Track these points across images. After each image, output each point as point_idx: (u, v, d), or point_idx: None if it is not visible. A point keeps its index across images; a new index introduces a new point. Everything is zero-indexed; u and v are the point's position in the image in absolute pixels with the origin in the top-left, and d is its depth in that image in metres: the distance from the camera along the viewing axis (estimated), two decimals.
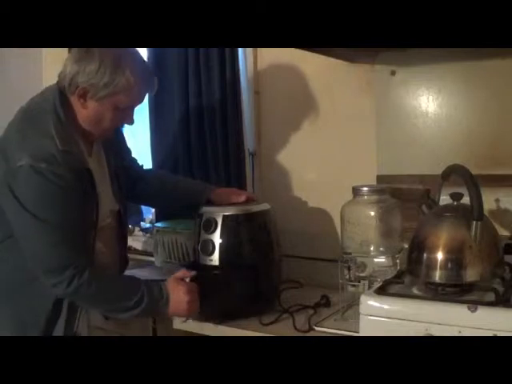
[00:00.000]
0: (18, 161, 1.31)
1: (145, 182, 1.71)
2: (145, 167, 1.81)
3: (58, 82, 1.42)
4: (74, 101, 1.40)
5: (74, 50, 1.39)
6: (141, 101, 1.47)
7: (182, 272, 1.49)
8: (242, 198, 1.63)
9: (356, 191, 1.52)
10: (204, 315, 1.53)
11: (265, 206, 1.61)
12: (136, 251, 2.23)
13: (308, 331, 1.43)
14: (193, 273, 1.49)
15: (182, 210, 1.80)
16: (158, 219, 2.12)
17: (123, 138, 1.70)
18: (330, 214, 1.83)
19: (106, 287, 1.40)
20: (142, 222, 2.30)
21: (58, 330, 1.43)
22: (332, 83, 1.81)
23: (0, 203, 1.38)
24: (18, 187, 1.32)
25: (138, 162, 1.78)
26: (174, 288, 1.43)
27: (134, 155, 1.77)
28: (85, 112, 1.41)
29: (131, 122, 1.48)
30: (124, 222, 1.62)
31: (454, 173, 1.28)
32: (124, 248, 1.66)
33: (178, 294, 1.42)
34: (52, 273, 1.34)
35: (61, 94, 1.40)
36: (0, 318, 1.43)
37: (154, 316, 1.53)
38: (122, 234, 1.62)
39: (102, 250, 1.50)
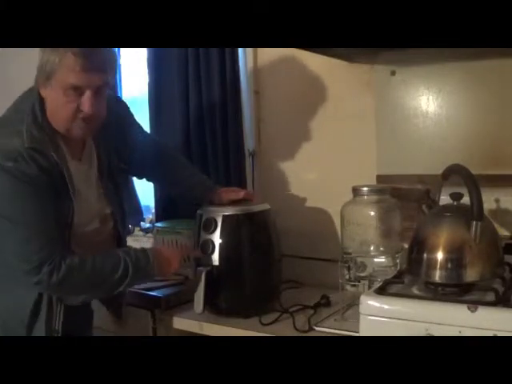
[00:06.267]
0: None
1: (152, 166, 1.69)
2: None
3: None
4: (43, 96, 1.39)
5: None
6: (85, 79, 1.32)
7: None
8: (241, 195, 1.64)
9: (356, 191, 1.52)
10: (204, 315, 1.53)
11: (265, 206, 1.61)
12: None
13: (308, 331, 1.43)
14: (197, 253, 1.56)
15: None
16: (158, 219, 2.12)
17: (125, 132, 1.62)
18: (330, 214, 1.83)
19: (88, 273, 1.38)
20: (141, 222, 2.30)
21: (40, 327, 1.41)
22: (332, 83, 1.81)
23: None
24: None
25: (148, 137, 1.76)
26: (157, 248, 1.55)
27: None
28: (47, 102, 1.38)
29: (87, 108, 1.34)
30: (119, 226, 1.57)
31: (454, 173, 1.28)
32: None
33: (161, 252, 1.50)
34: (29, 273, 1.33)
35: (40, 95, 1.39)
36: None
37: (147, 281, 1.56)
38: (117, 240, 1.57)
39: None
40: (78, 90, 1.34)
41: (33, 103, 1.38)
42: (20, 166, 1.31)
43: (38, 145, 1.34)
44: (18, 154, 1.31)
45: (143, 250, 1.48)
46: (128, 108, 1.67)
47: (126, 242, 1.65)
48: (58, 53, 1.31)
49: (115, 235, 1.56)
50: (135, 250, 1.48)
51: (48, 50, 1.33)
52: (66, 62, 1.31)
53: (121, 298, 1.59)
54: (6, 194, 1.32)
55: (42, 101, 1.39)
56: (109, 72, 1.39)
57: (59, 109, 1.37)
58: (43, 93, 1.38)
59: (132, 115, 1.68)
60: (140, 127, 1.72)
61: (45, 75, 1.34)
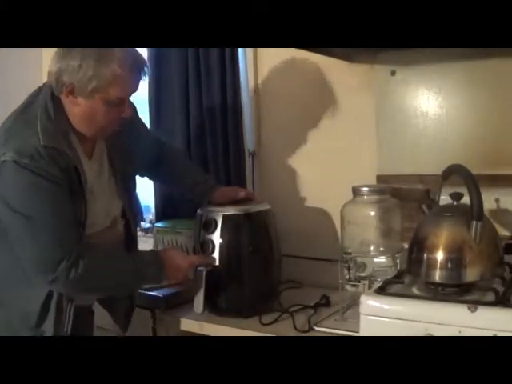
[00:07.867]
0: (2, 156, 1.29)
1: (155, 164, 1.69)
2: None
3: (47, 81, 1.40)
4: (65, 100, 1.37)
5: (57, 49, 1.37)
6: (132, 91, 1.40)
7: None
8: (241, 194, 1.64)
9: (356, 191, 1.52)
10: (204, 315, 1.53)
11: (265, 206, 1.61)
12: None
13: (308, 331, 1.43)
14: (211, 260, 1.53)
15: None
16: (157, 219, 2.12)
17: (133, 132, 1.60)
18: (330, 214, 1.83)
19: (103, 273, 1.38)
20: (142, 222, 2.30)
21: (48, 326, 1.39)
22: (332, 83, 1.81)
23: None
24: (2, 184, 1.31)
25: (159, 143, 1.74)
26: (170, 254, 1.48)
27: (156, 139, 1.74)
28: (77, 110, 1.37)
29: (126, 115, 1.41)
30: (131, 227, 1.56)
31: (454, 173, 1.28)
32: None
33: (173, 258, 1.48)
34: (45, 271, 1.31)
35: (52, 93, 1.38)
36: None
37: (155, 283, 1.55)
38: (129, 241, 1.56)
39: None
40: (122, 101, 1.38)
41: (45, 102, 1.37)
42: (39, 163, 1.29)
43: (54, 142, 1.33)
44: (34, 151, 1.30)
45: (155, 253, 1.50)
46: (135, 108, 1.65)
47: (137, 242, 1.64)
48: (109, 68, 1.31)
49: (126, 237, 1.56)
50: (148, 252, 1.50)
51: (91, 60, 1.31)
52: (112, 75, 1.32)
53: (130, 313, 1.58)
54: (22, 190, 1.30)
55: (55, 100, 1.38)
56: None
57: (99, 118, 1.37)
58: (68, 98, 1.36)
59: (138, 115, 1.66)
60: (144, 126, 1.72)
61: (86, 87, 1.33)
